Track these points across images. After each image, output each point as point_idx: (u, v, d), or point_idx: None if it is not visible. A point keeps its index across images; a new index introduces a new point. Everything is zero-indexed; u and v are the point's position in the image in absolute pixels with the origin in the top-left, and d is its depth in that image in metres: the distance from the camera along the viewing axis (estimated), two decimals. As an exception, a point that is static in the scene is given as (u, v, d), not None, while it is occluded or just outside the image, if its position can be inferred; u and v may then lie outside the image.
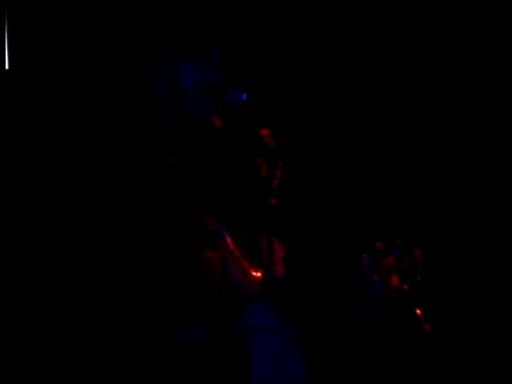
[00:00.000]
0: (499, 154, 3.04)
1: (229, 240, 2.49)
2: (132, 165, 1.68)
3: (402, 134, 3.08)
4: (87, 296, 1.55)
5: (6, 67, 2.32)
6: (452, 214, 3.01)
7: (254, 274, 2.50)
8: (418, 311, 1.96)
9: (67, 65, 2.48)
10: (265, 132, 2.54)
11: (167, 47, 1.74)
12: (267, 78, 3.05)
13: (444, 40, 3.12)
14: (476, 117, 3.08)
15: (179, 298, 1.66)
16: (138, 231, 1.62)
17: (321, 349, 1.91)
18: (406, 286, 1.95)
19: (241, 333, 1.82)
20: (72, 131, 1.81)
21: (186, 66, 1.73)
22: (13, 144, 2.30)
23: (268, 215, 2.63)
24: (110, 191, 1.62)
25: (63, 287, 1.56)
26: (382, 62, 3.14)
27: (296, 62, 3.12)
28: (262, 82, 2.95)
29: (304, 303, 1.98)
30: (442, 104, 3.10)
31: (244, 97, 1.82)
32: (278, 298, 2.26)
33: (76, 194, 1.61)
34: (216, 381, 1.69)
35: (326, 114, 2.65)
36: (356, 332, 1.88)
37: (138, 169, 1.68)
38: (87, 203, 1.60)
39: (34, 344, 1.56)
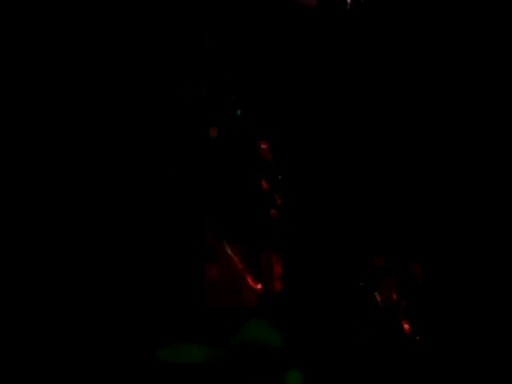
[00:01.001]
0: (502, 169, 3.03)
1: (229, 254, 2.48)
2: (133, 178, 1.67)
3: (400, 151, 3.07)
4: (85, 305, 1.54)
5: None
6: (451, 229, 3.00)
7: (253, 286, 2.49)
8: (406, 326, 1.95)
9: (69, 68, 2.48)
10: (264, 146, 2.53)
11: (166, 61, 1.73)
12: (266, 92, 3.04)
13: (443, 42, 3.12)
14: (480, 127, 3.07)
15: (179, 313, 1.65)
16: (138, 245, 1.61)
17: (318, 364, 1.90)
18: (403, 302, 1.94)
19: (239, 348, 1.81)
20: (72, 140, 1.80)
21: (184, 80, 1.73)
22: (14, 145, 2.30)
23: (267, 230, 2.62)
24: (109, 208, 1.61)
25: (65, 295, 1.56)
26: (381, 77, 3.14)
27: (295, 75, 3.12)
28: (261, 96, 2.95)
29: (301, 318, 1.97)
30: (446, 121, 3.09)
31: (238, 112, 1.81)
32: (276, 312, 2.25)
33: (78, 200, 1.60)
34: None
35: (325, 129, 2.66)
36: (350, 346, 1.87)
37: (138, 182, 1.68)
38: (90, 213, 1.59)
39: (32, 344, 1.55)
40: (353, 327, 1.92)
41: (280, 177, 2.54)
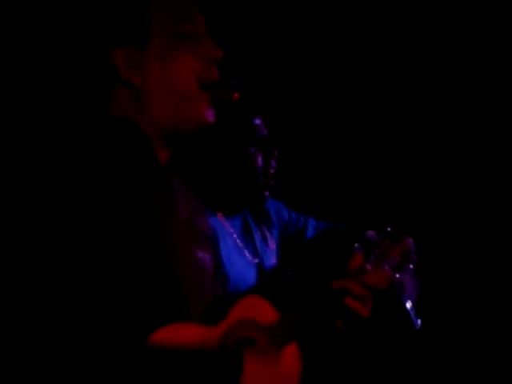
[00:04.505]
0: (483, 142, 3.03)
1: (228, 226, 2.46)
2: (121, 161, 1.65)
3: (391, 126, 3.07)
4: (71, 295, 1.52)
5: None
6: (443, 202, 3.00)
7: (251, 259, 2.47)
8: (408, 305, 1.93)
9: (50, 56, 2.45)
10: (259, 122, 2.51)
11: (159, 42, 1.70)
12: (262, 69, 3.03)
13: (443, 40, 3.10)
14: (468, 114, 3.06)
15: (169, 300, 1.63)
16: (127, 231, 1.58)
17: (314, 343, 1.89)
18: (398, 276, 1.93)
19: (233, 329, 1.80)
20: (55, 127, 1.78)
21: (179, 62, 1.70)
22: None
23: (262, 207, 2.61)
24: (96, 189, 1.58)
25: (46, 286, 1.54)
26: (376, 60, 3.12)
27: (290, 55, 3.10)
28: (257, 72, 2.93)
29: (297, 294, 1.96)
30: (430, 98, 3.09)
31: (236, 95, 1.78)
32: (272, 289, 2.25)
33: (61, 193, 1.58)
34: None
35: (320, 108, 2.64)
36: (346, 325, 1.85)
37: (127, 166, 1.65)
38: (73, 202, 1.56)
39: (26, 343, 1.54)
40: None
41: (276, 153, 2.51)
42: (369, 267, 1.89)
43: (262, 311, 1.80)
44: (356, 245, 1.92)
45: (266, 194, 2.51)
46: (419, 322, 1.89)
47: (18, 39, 2.52)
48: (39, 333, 1.48)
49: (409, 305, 1.93)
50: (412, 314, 1.92)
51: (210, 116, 1.75)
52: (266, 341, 1.73)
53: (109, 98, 1.73)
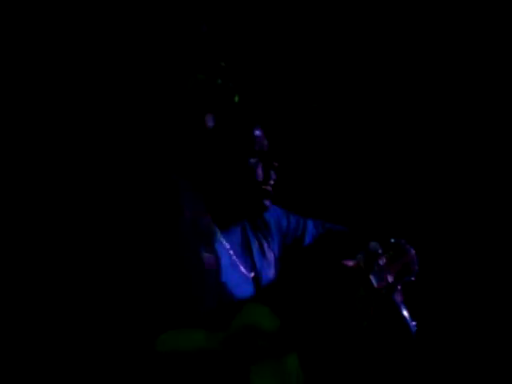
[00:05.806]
0: (489, 153, 3.04)
1: (224, 241, 2.46)
2: (126, 165, 1.67)
3: (394, 134, 3.07)
4: (77, 296, 1.53)
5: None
6: (446, 213, 3.01)
7: (246, 274, 2.48)
8: (404, 311, 1.96)
9: (69, 67, 2.47)
10: (259, 133, 2.52)
11: (162, 50, 1.72)
12: (261, 78, 3.03)
13: (443, 40, 3.12)
14: (469, 116, 3.08)
15: (174, 300, 1.64)
16: (132, 232, 1.60)
17: (315, 353, 1.90)
18: (399, 286, 1.95)
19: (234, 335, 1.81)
20: (66, 132, 1.79)
21: (181, 69, 1.72)
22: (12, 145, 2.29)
23: (261, 217, 2.61)
24: (102, 191, 1.60)
25: (54, 287, 1.55)
26: (375, 64, 3.14)
27: (290, 62, 3.11)
28: (257, 82, 2.94)
29: (296, 306, 1.97)
30: (431, 102, 3.10)
31: (236, 99, 1.80)
32: (270, 300, 2.26)
33: (69, 195, 1.59)
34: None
35: (320, 115, 2.65)
36: (348, 336, 1.87)
37: (132, 169, 1.67)
38: (80, 203, 1.58)
39: (30, 343, 1.55)
40: (350, 312, 1.92)
41: (276, 164, 2.52)
42: (371, 278, 1.92)
43: (265, 318, 1.81)
44: (359, 255, 1.95)
45: (267, 204, 2.52)
46: (414, 324, 1.92)
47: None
48: (43, 331, 1.49)
49: (405, 311, 1.96)
50: (408, 319, 1.95)
51: (208, 121, 1.78)
52: (269, 346, 1.74)
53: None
